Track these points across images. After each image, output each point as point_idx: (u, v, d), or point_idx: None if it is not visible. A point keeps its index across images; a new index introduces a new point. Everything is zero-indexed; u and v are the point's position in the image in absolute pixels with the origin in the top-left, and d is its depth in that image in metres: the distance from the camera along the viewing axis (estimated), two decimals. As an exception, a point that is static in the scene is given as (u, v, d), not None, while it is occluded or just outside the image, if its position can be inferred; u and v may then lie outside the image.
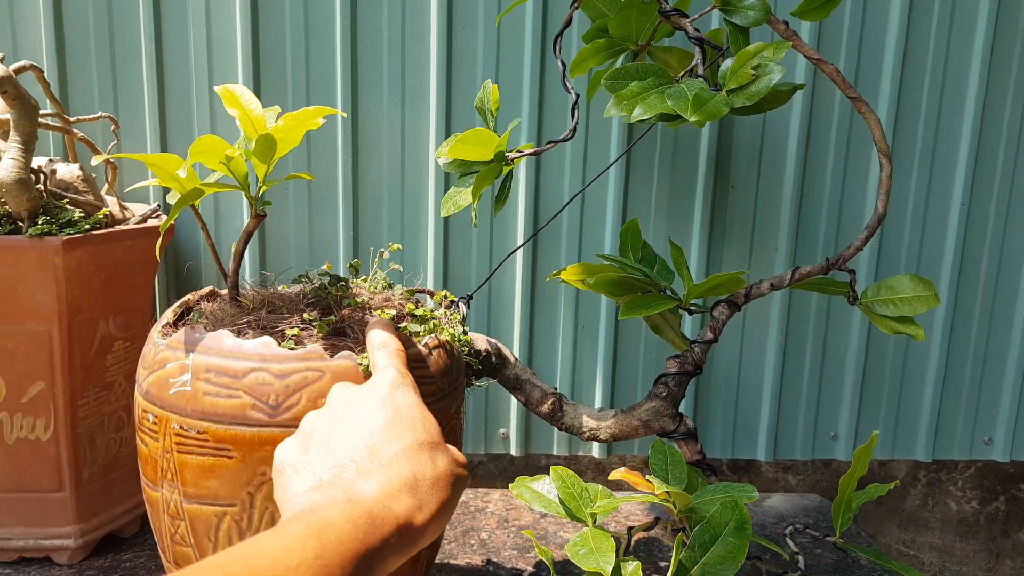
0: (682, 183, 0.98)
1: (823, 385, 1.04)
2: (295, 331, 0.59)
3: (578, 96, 0.73)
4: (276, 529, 0.40)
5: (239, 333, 0.59)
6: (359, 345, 0.59)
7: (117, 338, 0.80)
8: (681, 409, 1.03)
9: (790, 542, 0.71)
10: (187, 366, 0.57)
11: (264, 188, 0.62)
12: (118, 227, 0.78)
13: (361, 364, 0.57)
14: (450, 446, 0.49)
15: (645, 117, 0.66)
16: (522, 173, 0.95)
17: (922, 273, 1.01)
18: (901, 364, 1.05)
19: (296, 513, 0.42)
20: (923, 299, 0.73)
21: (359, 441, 0.46)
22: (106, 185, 0.86)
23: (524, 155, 0.74)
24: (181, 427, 0.56)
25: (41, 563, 0.81)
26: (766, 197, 0.98)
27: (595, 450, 1.03)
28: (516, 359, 0.80)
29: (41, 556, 0.81)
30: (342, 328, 0.61)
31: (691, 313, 0.79)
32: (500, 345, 0.80)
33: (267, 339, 0.57)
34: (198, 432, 0.56)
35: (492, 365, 0.79)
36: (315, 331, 0.59)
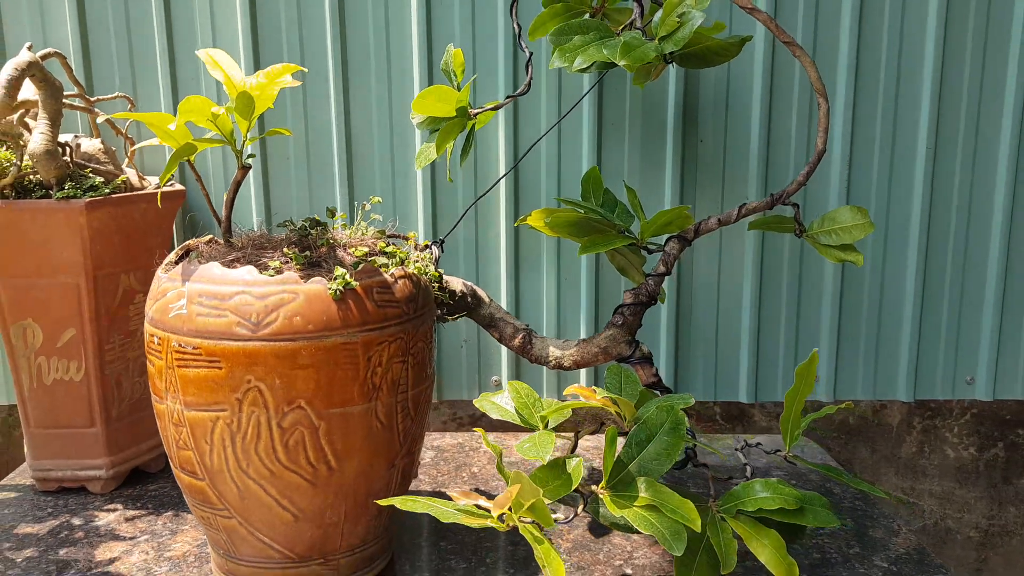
0: (653, 140, 1.04)
1: (800, 327, 1.09)
2: (276, 263, 0.67)
3: (531, 54, 0.80)
4: None
5: (229, 266, 0.68)
6: (331, 274, 0.67)
7: (138, 291, 0.90)
8: (662, 355, 1.10)
9: (740, 455, 0.77)
10: (183, 293, 0.66)
11: (248, 143, 0.70)
12: (135, 192, 0.89)
13: (330, 288, 0.66)
14: None
15: (585, 66, 0.73)
16: (501, 130, 1.02)
17: (893, 211, 1.06)
18: (877, 306, 1.09)
19: None
20: (860, 226, 0.79)
21: None
22: (127, 159, 0.97)
23: (486, 110, 0.82)
24: (179, 345, 0.66)
25: (78, 492, 0.92)
26: (734, 149, 1.04)
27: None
28: (491, 300, 0.88)
29: (77, 486, 0.92)
30: (318, 261, 0.69)
31: (650, 252, 0.86)
32: (476, 287, 0.88)
33: (250, 268, 0.66)
34: (193, 348, 0.65)
35: (468, 305, 0.87)
36: (293, 263, 0.68)
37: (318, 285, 0.66)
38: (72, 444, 0.90)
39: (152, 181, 0.95)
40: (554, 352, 0.83)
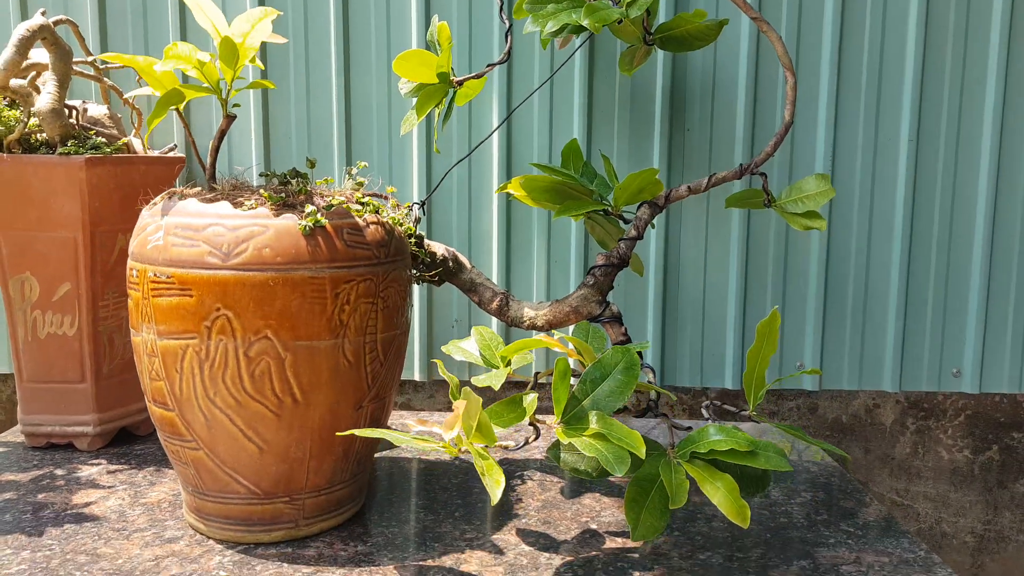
0: (641, 128, 1.07)
1: (786, 314, 1.10)
2: (252, 202, 0.71)
3: (511, 24, 0.84)
4: None
5: (207, 203, 0.71)
6: (302, 214, 0.70)
7: (133, 251, 0.94)
8: (649, 341, 1.11)
9: (705, 412, 0.77)
10: (161, 226, 0.69)
11: (233, 93, 0.74)
12: (135, 154, 0.93)
13: (300, 224, 0.68)
14: None
15: (555, 29, 0.76)
16: (495, 104, 1.06)
17: (876, 197, 1.06)
18: (863, 296, 1.09)
19: None
20: (823, 193, 0.80)
21: None
22: (134, 129, 1.01)
23: (467, 79, 0.85)
24: (155, 275, 0.68)
25: (65, 449, 0.94)
26: (720, 137, 1.06)
27: (568, 378, 1.11)
28: (472, 266, 0.90)
29: (65, 442, 0.94)
30: (292, 204, 0.72)
31: (626, 222, 0.88)
32: (458, 253, 0.90)
33: (225, 203, 0.69)
34: (167, 277, 0.68)
35: (450, 269, 0.89)
36: (268, 202, 0.71)
37: (289, 220, 0.69)
38: (62, 399, 0.93)
39: (155, 152, 1.00)
40: (528, 313, 0.85)
